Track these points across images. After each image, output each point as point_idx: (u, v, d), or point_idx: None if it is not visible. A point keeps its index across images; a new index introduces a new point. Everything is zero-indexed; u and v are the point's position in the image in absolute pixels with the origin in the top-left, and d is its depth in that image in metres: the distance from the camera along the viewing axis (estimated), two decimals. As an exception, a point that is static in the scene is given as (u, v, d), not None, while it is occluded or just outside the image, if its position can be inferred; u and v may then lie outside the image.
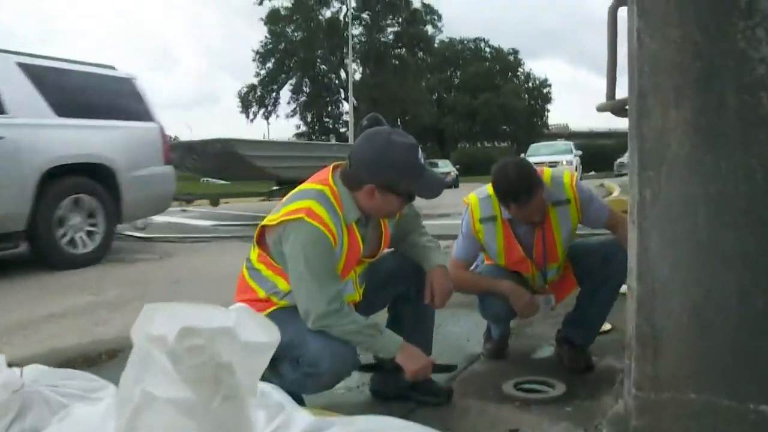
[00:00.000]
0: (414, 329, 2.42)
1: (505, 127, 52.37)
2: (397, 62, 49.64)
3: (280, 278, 2.21)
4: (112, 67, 7.13)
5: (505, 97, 50.95)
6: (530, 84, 56.83)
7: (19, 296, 4.81)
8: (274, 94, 49.95)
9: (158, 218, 11.63)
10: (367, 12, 48.85)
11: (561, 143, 26.62)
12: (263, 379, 2.14)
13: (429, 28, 51.59)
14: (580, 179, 2.85)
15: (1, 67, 5.83)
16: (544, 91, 56.68)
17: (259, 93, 49.48)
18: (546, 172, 2.74)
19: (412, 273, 2.40)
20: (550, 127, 55.34)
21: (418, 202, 2.39)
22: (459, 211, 2.92)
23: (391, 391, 2.45)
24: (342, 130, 45.89)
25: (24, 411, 1.55)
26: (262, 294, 2.24)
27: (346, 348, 2.13)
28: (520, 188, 2.52)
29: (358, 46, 46.99)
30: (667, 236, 1.55)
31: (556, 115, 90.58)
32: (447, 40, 55.08)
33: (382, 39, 50.02)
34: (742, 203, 1.46)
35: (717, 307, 1.51)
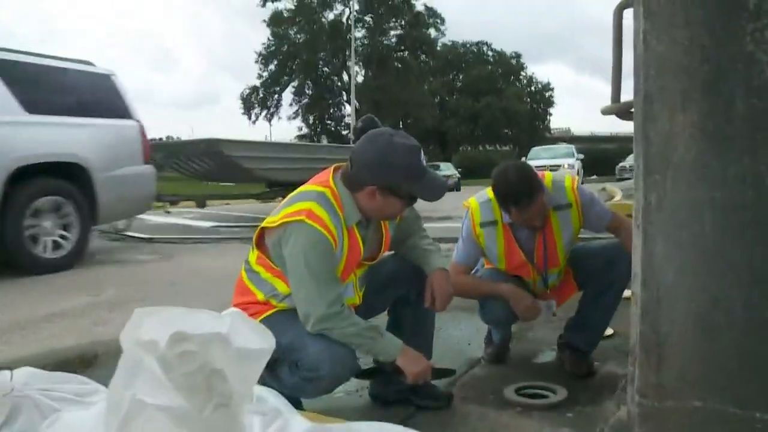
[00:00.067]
0: (414, 332, 2.40)
1: (507, 130, 52.36)
2: (399, 65, 49.69)
3: (279, 281, 2.19)
4: (89, 63, 6.85)
5: (508, 101, 50.93)
6: (533, 88, 56.79)
7: (18, 296, 4.79)
8: (276, 95, 50.05)
9: (159, 219, 11.68)
10: (369, 15, 48.92)
11: (563, 147, 26.63)
12: (261, 382, 2.14)
13: (432, 32, 51.68)
14: (582, 183, 2.82)
15: None
16: (547, 94, 56.66)
17: (261, 95, 49.55)
18: (547, 176, 2.72)
19: (412, 276, 2.38)
20: (552, 131, 55.35)
21: (419, 204, 2.37)
22: (460, 215, 2.90)
23: (390, 395, 2.43)
24: (344, 132, 45.86)
25: (13, 415, 1.51)
26: (260, 297, 2.22)
27: (345, 351, 2.11)
28: (520, 192, 2.50)
29: (360, 48, 47.04)
30: (673, 242, 1.52)
31: (558, 119, 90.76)
32: (450, 43, 55.16)
33: (385, 42, 50.09)
34: (749, 209, 1.44)
35: (723, 314, 1.48)
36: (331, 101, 50.92)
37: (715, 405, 1.52)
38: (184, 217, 12.22)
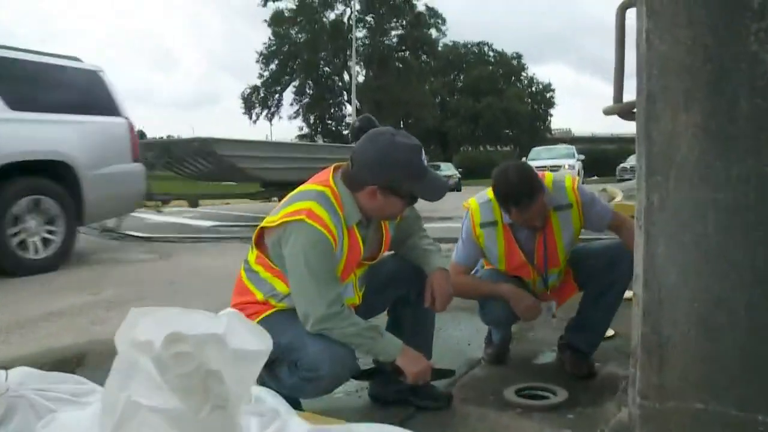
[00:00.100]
0: (414, 332, 2.39)
1: (507, 131, 52.42)
2: (400, 65, 49.75)
3: (278, 280, 2.18)
4: (76, 59, 6.64)
5: (509, 101, 50.99)
6: (533, 88, 56.84)
7: (17, 295, 4.78)
8: (277, 95, 50.12)
9: (158, 218, 11.66)
10: (371, 15, 48.96)
11: (563, 147, 26.63)
12: (260, 382, 2.13)
13: (433, 32, 51.75)
14: (582, 183, 2.81)
15: None
16: (547, 95, 56.72)
17: (262, 94, 49.61)
18: (548, 177, 2.71)
19: (412, 276, 2.37)
20: (552, 132, 55.41)
21: (419, 205, 2.36)
22: (460, 215, 2.89)
23: (390, 395, 2.42)
24: (345, 132, 45.86)
25: (8, 416, 1.49)
26: (260, 296, 2.21)
27: (345, 351, 2.10)
28: (520, 192, 2.49)
29: (361, 48, 47.07)
30: (675, 242, 1.51)
31: (559, 120, 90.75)
32: (451, 43, 55.24)
33: (386, 42, 50.13)
34: (753, 210, 1.43)
35: (725, 316, 1.47)
36: (332, 101, 50.97)
37: (716, 407, 1.51)
38: (183, 216, 12.21)
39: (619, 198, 11.06)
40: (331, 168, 2.24)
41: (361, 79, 47.83)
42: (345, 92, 48.66)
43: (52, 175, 5.88)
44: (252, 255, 2.26)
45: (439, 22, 51.23)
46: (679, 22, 1.49)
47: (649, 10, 1.53)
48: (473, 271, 2.88)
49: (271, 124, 53.23)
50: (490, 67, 55.15)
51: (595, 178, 30.23)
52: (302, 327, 2.09)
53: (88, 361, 2.97)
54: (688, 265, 1.51)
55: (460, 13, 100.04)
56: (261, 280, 2.21)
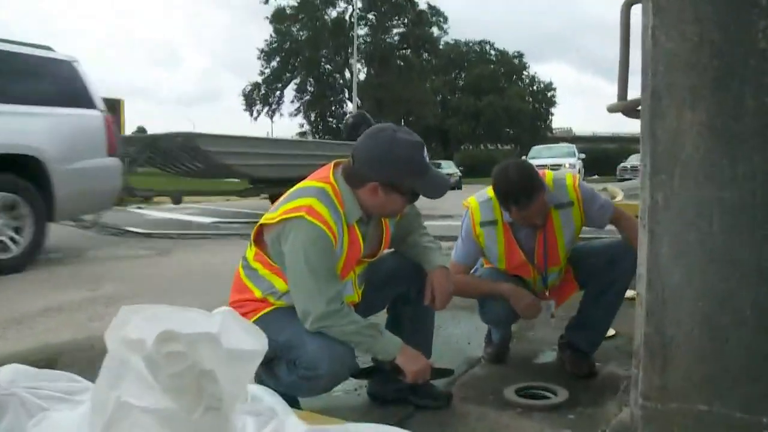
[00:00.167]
0: (414, 330, 2.38)
1: (509, 129, 52.42)
2: (401, 63, 49.79)
3: (277, 278, 2.16)
4: (48, 48, 6.31)
5: (510, 100, 51.00)
6: (535, 87, 56.85)
7: (15, 290, 4.77)
8: (278, 92, 50.17)
9: (157, 214, 11.65)
10: (372, 12, 48.97)
11: (564, 146, 26.63)
12: (258, 381, 2.11)
13: (434, 30, 51.81)
14: (582, 181, 2.80)
15: None
16: (549, 94, 56.71)
17: (263, 91, 49.65)
18: (548, 175, 2.69)
19: (412, 273, 2.35)
20: (553, 131, 55.39)
21: (419, 202, 2.34)
22: (460, 213, 2.88)
23: (389, 394, 2.40)
24: (346, 130, 45.84)
25: (-2, 414, 1.45)
26: (258, 294, 2.19)
27: (344, 350, 2.08)
28: (521, 190, 2.48)
29: (363, 46, 47.09)
30: (680, 242, 1.49)
31: (560, 119, 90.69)
32: (452, 41, 55.30)
33: (388, 40, 50.16)
34: (759, 208, 1.41)
35: (730, 315, 1.46)
36: (332, 99, 51.00)
37: (720, 408, 1.49)
38: (183, 212, 12.19)
39: (620, 197, 11.03)
40: (332, 164, 2.22)
41: (362, 76, 47.84)
42: (346, 90, 48.67)
43: (20, 171, 5.55)
44: (250, 252, 2.24)
45: (441, 20, 51.36)
46: (685, 18, 1.47)
47: (655, 6, 1.51)
48: (473, 270, 2.87)
49: (272, 121, 53.17)
50: (492, 66, 55.14)
51: (596, 177, 30.24)
52: (301, 325, 2.07)
53: (84, 358, 2.95)
54: (692, 265, 1.49)
55: (461, 12, 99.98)
56: (259, 278, 2.19)
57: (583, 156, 25.00)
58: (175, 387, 1.07)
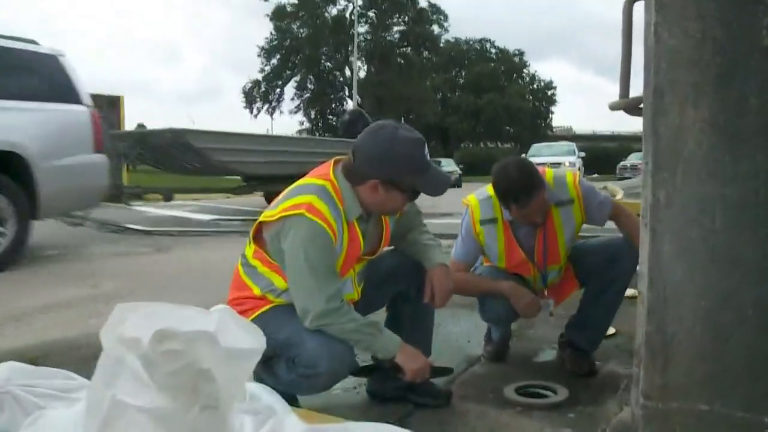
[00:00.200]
0: (413, 328, 2.37)
1: (509, 127, 52.41)
2: (402, 61, 49.76)
3: (276, 275, 2.15)
4: (33, 42, 6.10)
5: (510, 98, 50.98)
6: (535, 85, 56.84)
7: (14, 287, 4.75)
8: (278, 90, 50.14)
9: (157, 211, 11.64)
10: (373, 10, 48.94)
11: (564, 144, 26.60)
12: (256, 379, 2.10)
13: (435, 28, 51.74)
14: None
15: None
16: (549, 92, 56.70)
17: (263, 89, 49.64)
18: (548, 172, 2.68)
19: (412, 271, 2.34)
20: (554, 129, 55.35)
21: (418, 201, 2.33)
22: (460, 211, 2.87)
23: (388, 392, 2.39)
24: (346, 127, 45.80)
25: (-6, 412, 1.42)
26: (257, 291, 2.18)
27: (344, 348, 2.07)
28: (520, 188, 2.47)
29: (363, 44, 47.04)
30: (682, 239, 1.49)
31: (560, 117, 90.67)
32: (453, 39, 55.21)
33: (388, 37, 50.11)
34: (762, 206, 1.40)
35: (732, 313, 1.45)
36: (333, 96, 50.98)
37: (721, 408, 1.48)
38: (183, 209, 12.18)
39: (620, 196, 11.03)
40: (332, 161, 2.21)
41: (362, 74, 47.84)
42: (346, 87, 48.65)
43: (2, 167, 5.38)
44: (249, 249, 2.23)
45: (441, 18, 51.27)
46: (688, 15, 1.46)
47: (657, 3, 1.50)
48: (472, 269, 2.86)
49: (272, 119, 53.09)
50: (492, 64, 55.10)
51: (596, 175, 30.23)
52: (300, 323, 2.06)
53: (83, 356, 2.94)
54: (694, 262, 1.48)
55: (462, 10, 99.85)
56: (259, 275, 2.18)
57: (583, 154, 24.96)
58: (172, 386, 1.05)
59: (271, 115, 50.54)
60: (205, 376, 1.11)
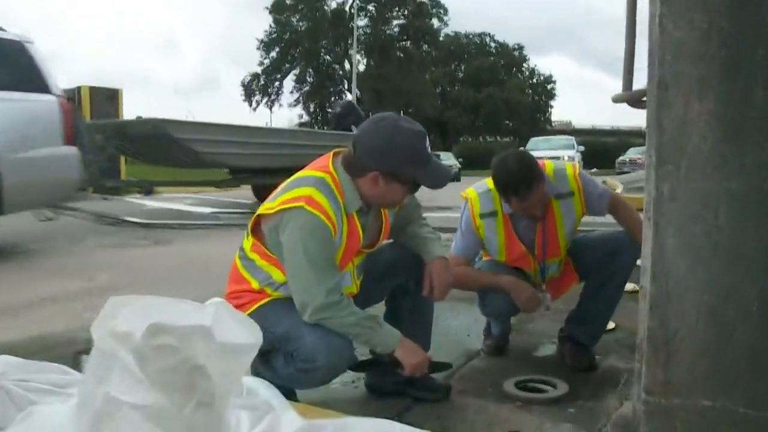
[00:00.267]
0: (413, 321, 2.35)
1: (508, 122, 52.37)
2: (401, 54, 49.70)
3: (274, 268, 2.13)
4: None
5: (509, 92, 50.94)
6: (534, 80, 56.75)
7: (10, 280, 4.73)
8: (277, 83, 50.10)
9: (155, 204, 11.61)
10: (372, 3, 48.87)
11: (563, 138, 26.57)
12: (254, 373, 2.09)
13: (435, 22, 51.66)
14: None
15: None
16: (548, 87, 56.62)
17: (262, 82, 49.59)
18: (548, 165, 2.67)
19: (411, 264, 2.33)
20: (553, 124, 55.32)
21: (417, 194, 2.32)
22: (459, 205, 2.85)
23: (387, 386, 2.38)
24: (344, 121, 45.73)
25: (-15, 407, 1.39)
26: (255, 285, 2.16)
27: (343, 342, 2.05)
28: (520, 180, 2.45)
29: (363, 37, 46.97)
30: (685, 234, 1.47)
31: (559, 112, 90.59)
32: (452, 33, 55.12)
33: (388, 31, 50.04)
34: (766, 201, 1.39)
35: (736, 311, 1.44)
36: (332, 89, 50.91)
37: (724, 404, 1.47)
38: (182, 202, 12.16)
39: (619, 190, 11.03)
40: (331, 153, 2.19)
41: (361, 67, 47.81)
42: (345, 81, 48.56)
43: None
44: (248, 242, 2.21)
45: (441, 12, 51.22)
46: (693, 6, 1.44)
47: (662, -6, 1.48)
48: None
49: (271, 112, 53.06)
50: (492, 58, 55.04)
51: (595, 170, 30.24)
52: (299, 316, 2.05)
53: (78, 350, 2.92)
54: (697, 257, 1.47)
55: (461, 4, 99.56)
56: (257, 269, 2.17)
57: (582, 148, 24.93)
58: (166, 382, 1.02)
59: (270, 108, 50.59)
60: (200, 371, 1.09)
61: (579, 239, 2.80)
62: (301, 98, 50.35)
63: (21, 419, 1.30)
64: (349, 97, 43.49)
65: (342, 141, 10.08)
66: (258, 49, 49.02)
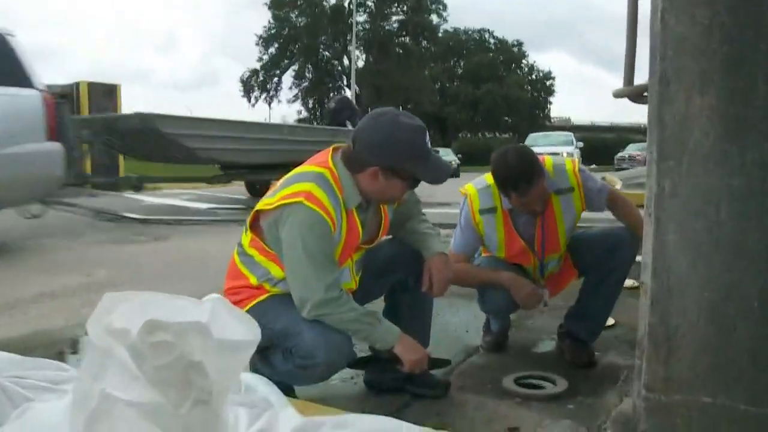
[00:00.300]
0: (412, 317, 2.35)
1: (507, 118, 52.36)
2: (400, 50, 49.64)
3: (273, 264, 2.12)
4: None
5: (508, 89, 50.92)
6: (534, 76, 56.73)
7: (9, 275, 4.72)
8: (276, 79, 50.03)
9: (154, 200, 11.60)
10: (371, -1, 48.73)
11: (562, 134, 26.53)
12: (252, 369, 2.08)
13: (434, 17, 51.60)
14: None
15: None
16: (547, 83, 56.63)
17: (261, 78, 49.53)
18: (547, 161, 2.66)
19: (411, 260, 2.32)
20: (552, 120, 55.29)
21: (416, 190, 2.31)
22: (458, 201, 2.84)
23: (386, 382, 2.37)
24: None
25: (-20, 404, 1.38)
26: (254, 281, 2.15)
27: (342, 338, 2.05)
28: (520, 175, 2.44)
29: (362, 33, 46.89)
30: (686, 231, 1.46)
31: (559, 108, 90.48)
32: (451, 29, 55.04)
33: (387, 27, 49.97)
34: (768, 198, 1.38)
35: (737, 307, 1.43)
36: (331, 85, 50.86)
37: (725, 401, 1.47)
38: (180, 198, 12.14)
39: (618, 186, 11.03)
40: (330, 149, 2.18)
41: (360, 63, 47.79)
42: (344, 77, 48.52)
43: None
44: (246, 238, 2.20)
45: (440, 7, 51.16)
46: (695, 1, 1.43)
47: (664, -12, 1.47)
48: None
49: (270, 108, 52.95)
50: (491, 54, 55.01)
51: (594, 166, 30.24)
52: (297, 312, 2.04)
53: (75, 346, 2.92)
54: (699, 253, 1.46)
55: (461, 0, 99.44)
56: (255, 264, 2.16)
57: (581, 144, 24.90)
58: (162, 379, 1.01)
59: (269, 104, 50.54)
60: (197, 369, 1.07)
61: (578, 235, 2.80)
62: (299, 94, 50.37)
63: (16, 416, 1.28)
64: (348, 93, 43.41)
65: (335, 136, 10.05)
66: (257, 44, 49.02)
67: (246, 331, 1.15)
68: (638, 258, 2.18)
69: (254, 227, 2.18)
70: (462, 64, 55.76)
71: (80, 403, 1.04)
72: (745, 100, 1.38)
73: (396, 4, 49.83)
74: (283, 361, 2.10)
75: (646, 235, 1.58)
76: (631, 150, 30.74)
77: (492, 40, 56.88)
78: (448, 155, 29.81)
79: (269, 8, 47.82)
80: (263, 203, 2.11)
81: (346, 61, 47.89)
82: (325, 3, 48.10)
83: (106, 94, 13.75)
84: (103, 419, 1.00)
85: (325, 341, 2.00)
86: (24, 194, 5.99)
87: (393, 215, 2.33)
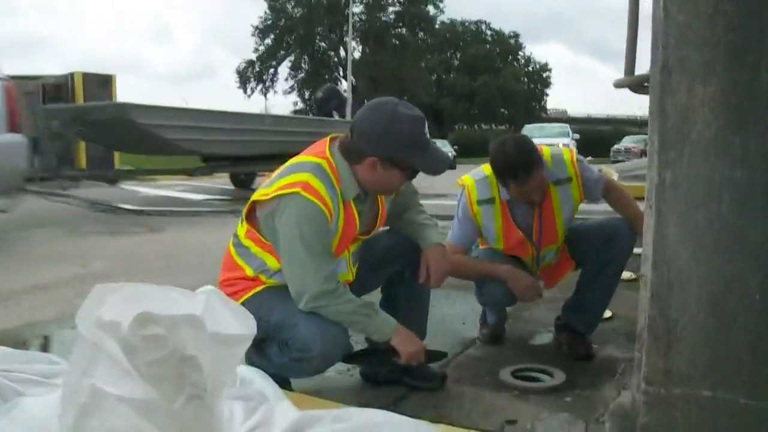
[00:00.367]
0: (409, 309, 2.33)
1: (503, 110, 52.32)
2: (397, 42, 49.48)
3: (269, 255, 2.10)
4: None
5: (505, 80, 50.85)
6: (530, 68, 56.64)
7: (2, 267, 4.69)
8: (272, 70, 49.87)
9: (151, 191, 11.56)
10: (368, -10, 48.54)
11: (557, 126, 26.51)
12: (248, 362, 2.06)
13: (430, 9, 51.42)
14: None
15: None
16: (544, 75, 56.55)
17: (257, 69, 49.36)
18: (546, 151, 2.64)
19: (408, 251, 2.30)
20: (548, 112, 55.27)
21: (414, 182, 2.29)
22: (455, 192, 2.83)
23: (382, 375, 2.36)
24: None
25: (-32, 398, 1.35)
26: (249, 272, 2.13)
27: (338, 330, 2.03)
28: (519, 164, 2.43)
29: (358, 24, 46.73)
30: (687, 222, 1.44)
31: (555, 100, 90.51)
32: (448, 21, 54.86)
33: (383, 18, 49.78)
34: (771, 190, 1.36)
35: (738, 300, 1.41)
36: (327, 76, 50.59)
37: (725, 394, 1.45)
38: (175, 189, 12.11)
39: (614, 178, 11.04)
40: (328, 139, 2.16)
41: (357, 55, 47.57)
42: (341, 68, 48.38)
43: None
44: (242, 229, 2.18)
45: (437, -1, 50.87)
46: (699, -11, 1.40)
47: (667, -24, 1.45)
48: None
49: (266, 99, 52.75)
50: (487, 46, 54.88)
51: (590, 158, 30.25)
52: (293, 304, 2.02)
53: (70, 338, 2.89)
54: (700, 245, 1.44)
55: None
56: (251, 255, 2.14)
57: (577, 136, 24.89)
58: (155, 374, 0.98)
59: (265, 95, 50.36)
60: (190, 363, 1.04)
61: (575, 226, 2.78)
62: (296, 85, 50.19)
63: (5, 411, 1.26)
64: (345, 84, 43.30)
65: (321, 127, 9.92)
66: (253, 35, 48.78)
67: (241, 325, 1.13)
68: (636, 250, 2.17)
69: (250, 218, 2.16)
70: (458, 55, 55.63)
71: (70, 398, 1.01)
72: (748, 90, 1.36)
73: (393, -5, 49.69)
74: (279, 353, 2.08)
75: (646, 226, 1.56)
76: (627, 142, 30.76)
77: (488, 32, 56.76)
78: (444, 147, 29.58)
79: (265, -1, 47.63)
80: (260, 193, 2.08)
81: (342, 53, 47.73)
82: (321, -6, 47.94)
83: (101, 84, 13.69)
84: (94, 415, 0.98)
85: (321, 333, 1.98)
86: None
87: (390, 206, 2.31)
